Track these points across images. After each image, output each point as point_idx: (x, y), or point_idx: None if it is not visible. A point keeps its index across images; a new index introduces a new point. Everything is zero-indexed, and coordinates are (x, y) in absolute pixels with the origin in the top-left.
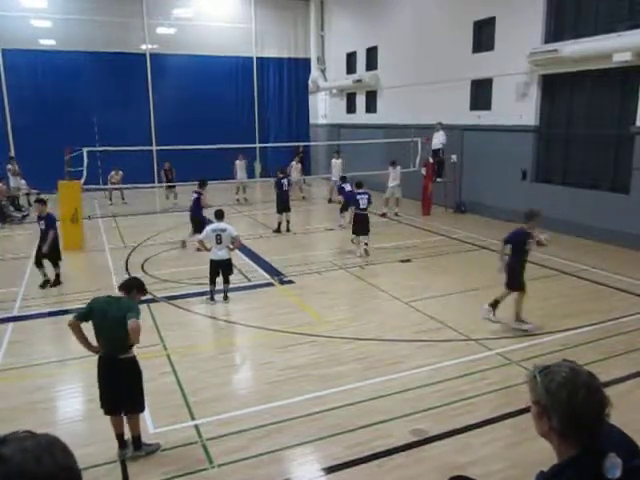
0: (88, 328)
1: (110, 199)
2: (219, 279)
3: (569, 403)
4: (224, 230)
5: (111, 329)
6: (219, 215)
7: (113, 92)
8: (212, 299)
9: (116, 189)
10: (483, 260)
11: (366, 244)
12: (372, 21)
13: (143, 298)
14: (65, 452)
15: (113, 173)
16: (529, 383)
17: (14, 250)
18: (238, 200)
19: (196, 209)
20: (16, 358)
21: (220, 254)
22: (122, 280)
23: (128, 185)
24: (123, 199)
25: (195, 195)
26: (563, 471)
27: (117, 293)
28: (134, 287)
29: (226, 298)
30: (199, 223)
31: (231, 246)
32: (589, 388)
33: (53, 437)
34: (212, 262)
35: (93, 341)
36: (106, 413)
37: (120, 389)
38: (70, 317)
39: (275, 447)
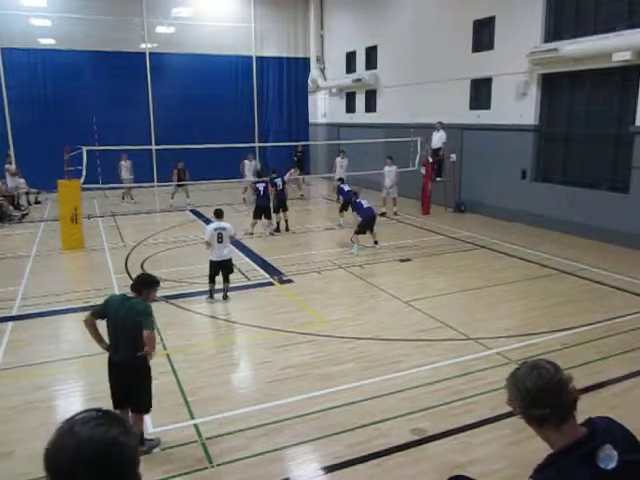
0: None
1: (123, 197)
2: (219, 278)
3: (515, 384)
4: (224, 229)
5: (121, 331)
6: (219, 214)
7: (112, 91)
8: (211, 297)
9: (121, 188)
10: (483, 259)
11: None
12: (372, 20)
13: None
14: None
15: (123, 162)
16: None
17: (14, 249)
18: (244, 200)
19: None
20: (16, 358)
21: (220, 253)
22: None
23: (125, 185)
24: (132, 198)
25: (279, 180)
26: (557, 460)
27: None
28: (143, 286)
29: (226, 297)
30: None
31: (230, 245)
32: (532, 367)
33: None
34: (212, 263)
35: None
36: (115, 408)
37: (128, 390)
38: (86, 314)
39: (275, 446)
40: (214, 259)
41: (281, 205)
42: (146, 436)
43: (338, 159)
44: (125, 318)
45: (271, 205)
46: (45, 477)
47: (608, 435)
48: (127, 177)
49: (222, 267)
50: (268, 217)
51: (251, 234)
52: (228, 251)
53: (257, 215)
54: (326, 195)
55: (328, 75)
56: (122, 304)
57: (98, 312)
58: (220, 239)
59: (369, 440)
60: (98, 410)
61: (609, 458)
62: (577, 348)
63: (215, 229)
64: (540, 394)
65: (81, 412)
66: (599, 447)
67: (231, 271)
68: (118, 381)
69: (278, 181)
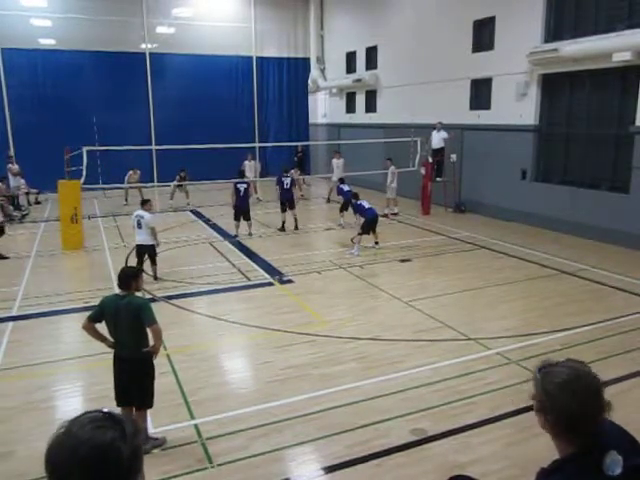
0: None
1: (126, 199)
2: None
3: (565, 406)
4: (142, 217)
5: (124, 330)
6: (141, 203)
7: (113, 91)
8: (155, 279)
9: (122, 188)
10: (483, 260)
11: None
12: (372, 20)
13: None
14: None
15: (131, 172)
16: (533, 379)
17: (14, 249)
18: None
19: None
20: (16, 358)
21: (140, 239)
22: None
23: (124, 185)
24: (142, 197)
25: (289, 180)
26: (563, 466)
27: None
28: (130, 279)
29: (156, 279)
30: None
31: (151, 236)
32: (588, 392)
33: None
34: (136, 246)
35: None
36: (118, 405)
37: (132, 386)
38: (84, 319)
39: (275, 446)
40: (136, 243)
41: (288, 204)
42: (150, 434)
43: (334, 160)
44: (126, 315)
45: (250, 206)
46: (45, 477)
47: (612, 439)
48: (134, 180)
49: (146, 251)
50: (247, 219)
51: (235, 236)
52: (144, 237)
53: (237, 217)
54: (326, 195)
55: (328, 75)
56: (119, 303)
57: (95, 316)
58: (139, 225)
59: (369, 440)
60: (101, 411)
61: (615, 464)
62: (577, 348)
63: (135, 216)
64: (568, 418)
65: (85, 412)
66: (605, 453)
67: (155, 254)
68: (123, 375)
69: (286, 180)
